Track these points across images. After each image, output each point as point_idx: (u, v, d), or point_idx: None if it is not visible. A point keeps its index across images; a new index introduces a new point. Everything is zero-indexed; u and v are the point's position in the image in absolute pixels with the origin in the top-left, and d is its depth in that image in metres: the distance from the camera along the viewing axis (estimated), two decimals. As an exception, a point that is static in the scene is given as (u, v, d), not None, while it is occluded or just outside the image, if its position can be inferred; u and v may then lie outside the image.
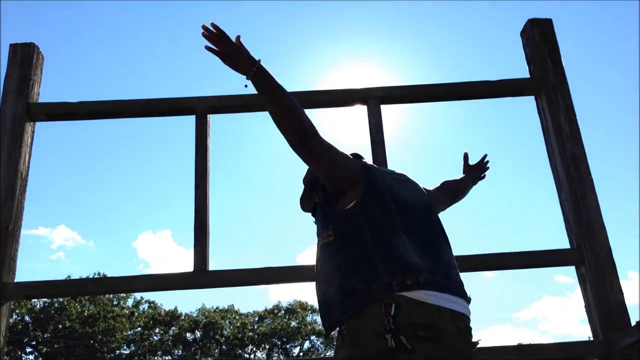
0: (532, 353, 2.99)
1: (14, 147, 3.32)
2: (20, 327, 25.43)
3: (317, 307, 1.93)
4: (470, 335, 1.78)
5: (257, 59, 1.82)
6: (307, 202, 2.18)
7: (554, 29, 3.50)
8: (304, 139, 1.84)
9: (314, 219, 2.06)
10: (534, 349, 3.09)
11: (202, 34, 1.85)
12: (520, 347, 3.01)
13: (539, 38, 3.48)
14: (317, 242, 1.96)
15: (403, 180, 2.06)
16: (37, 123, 3.53)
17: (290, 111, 1.84)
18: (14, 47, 3.56)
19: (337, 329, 1.79)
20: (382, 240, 1.80)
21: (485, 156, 2.67)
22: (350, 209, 1.86)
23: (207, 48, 1.87)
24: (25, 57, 3.53)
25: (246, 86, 1.83)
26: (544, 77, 3.40)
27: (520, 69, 3.54)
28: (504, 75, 3.46)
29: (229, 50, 1.84)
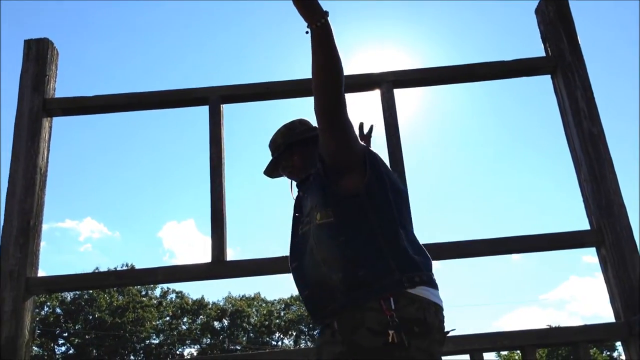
0: (554, 336, 2.96)
1: (32, 142, 3.36)
2: (52, 319, 25.97)
3: (363, 280, 1.72)
4: (444, 326, 1.82)
5: (326, 11, 1.74)
6: (275, 169, 2.26)
7: (569, 6, 3.42)
8: (338, 107, 1.82)
9: (297, 189, 2.12)
10: (556, 332, 3.06)
11: None
12: (541, 331, 2.98)
13: (554, 15, 3.40)
14: (304, 215, 1.92)
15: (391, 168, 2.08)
16: (54, 118, 3.57)
17: (338, 75, 1.79)
18: (28, 43, 3.59)
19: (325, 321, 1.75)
20: (389, 232, 1.79)
21: (371, 127, 2.41)
22: (354, 193, 1.84)
23: None
24: (39, 52, 3.56)
25: (307, 32, 1.75)
26: (560, 55, 3.34)
27: (535, 48, 3.47)
28: (519, 55, 3.41)
29: None
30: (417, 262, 1.77)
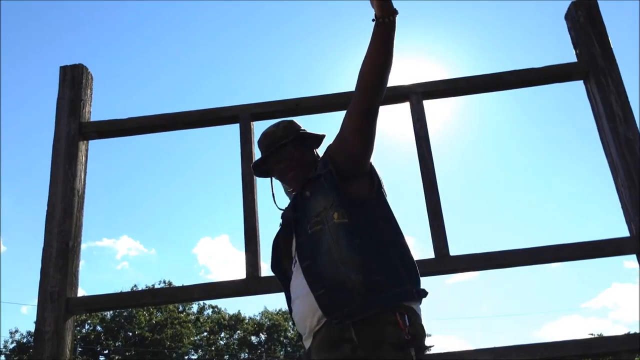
0: (597, 346, 2.89)
1: (69, 166, 3.44)
2: (92, 336, 26.38)
3: (382, 285, 1.74)
4: None
5: (397, 10, 1.77)
6: (264, 165, 2.18)
7: (600, 10, 3.37)
8: (376, 111, 1.86)
9: (300, 189, 2.01)
10: (599, 342, 3.00)
11: None
12: (583, 342, 2.91)
13: (584, 20, 3.35)
14: (313, 215, 1.88)
15: None
16: (90, 141, 3.65)
17: (387, 79, 1.83)
18: (64, 70, 3.68)
19: (331, 329, 1.71)
20: (397, 243, 1.86)
21: None
22: (363, 199, 1.89)
23: None
24: (75, 78, 3.65)
25: (373, 20, 1.77)
26: (592, 60, 3.28)
27: (565, 54, 3.43)
28: (548, 62, 3.36)
29: None
30: (419, 275, 1.84)
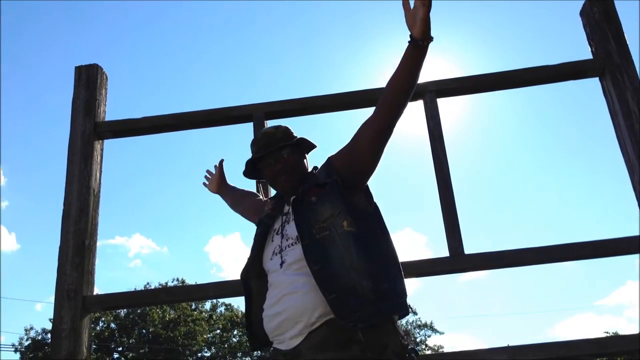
0: (614, 345, 2.88)
1: (85, 165, 3.47)
2: (106, 334, 26.57)
3: (390, 293, 1.83)
4: None
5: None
6: (254, 172, 2.24)
7: (615, 6, 3.33)
8: (393, 129, 1.96)
9: (300, 194, 2.02)
10: (616, 340, 2.98)
11: None
12: (599, 340, 2.89)
13: (600, 17, 3.32)
14: (319, 220, 1.91)
15: None
16: (105, 140, 3.68)
17: (410, 97, 1.92)
18: (79, 70, 3.71)
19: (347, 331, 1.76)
20: (393, 256, 1.97)
21: (221, 162, 2.68)
22: (364, 212, 1.97)
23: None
24: (90, 78, 3.68)
25: (409, 42, 1.83)
26: (608, 57, 3.25)
27: (580, 50, 3.40)
28: (562, 59, 3.33)
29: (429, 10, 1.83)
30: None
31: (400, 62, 1.87)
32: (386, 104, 1.91)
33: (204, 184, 2.89)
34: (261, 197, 2.64)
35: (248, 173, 2.25)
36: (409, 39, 1.83)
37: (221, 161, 2.81)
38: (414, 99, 3.39)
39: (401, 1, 1.85)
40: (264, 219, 2.15)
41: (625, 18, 3.33)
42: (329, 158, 2.09)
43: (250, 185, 2.56)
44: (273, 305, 1.90)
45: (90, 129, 3.56)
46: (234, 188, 2.77)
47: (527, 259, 3.05)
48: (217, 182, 2.79)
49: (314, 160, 2.23)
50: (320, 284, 1.79)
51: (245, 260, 2.17)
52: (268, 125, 2.30)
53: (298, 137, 2.18)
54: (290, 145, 2.12)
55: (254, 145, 2.19)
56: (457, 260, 3.02)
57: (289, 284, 1.87)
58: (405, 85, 1.88)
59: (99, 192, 3.55)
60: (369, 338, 1.73)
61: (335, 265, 1.82)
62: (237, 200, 2.68)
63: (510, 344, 2.93)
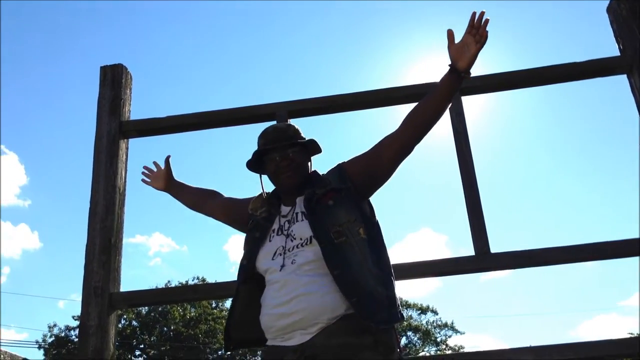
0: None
1: (110, 164, 3.51)
2: (128, 331, 26.84)
3: (396, 301, 1.94)
4: None
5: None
6: (258, 165, 2.21)
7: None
8: (418, 143, 2.07)
9: (314, 196, 2.05)
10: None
11: (476, 20, 1.95)
12: (628, 340, 2.85)
13: (627, 13, 3.27)
14: (335, 224, 1.95)
15: None
16: (130, 139, 3.71)
17: (439, 119, 2.04)
18: (104, 70, 3.76)
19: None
20: (390, 266, 2.03)
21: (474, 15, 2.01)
22: (372, 221, 2.06)
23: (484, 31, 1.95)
24: (115, 77, 3.72)
25: (449, 66, 1.95)
26: (636, 54, 3.21)
27: (607, 47, 3.35)
28: (588, 56, 3.29)
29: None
30: None
31: (437, 87, 1.99)
32: (415, 125, 2.02)
33: (144, 180, 2.78)
34: (231, 196, 2.51)
35: (252, 165, 2.22)
36: (450, 69, 1.95)
37: (168, 157, 2.70)
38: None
39: (447, 32, 1.97)
40: (261, 221, 2.13)
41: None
42: (340, 165, 2.14)
43: (252, 178, 2.53)
44: (283, 304, 1.90)
45: (115, 128, 3.60)
46: (185, 185, 2.67)
47: (554, 258, 3.02)
48: (165, 179, 2.69)
49: (317, 164, 2.26)
50: (342, 287, 1.85)
51: (240, 262, 2.15)
52: (279, 125, 2.26)
53: (307, 138, 2.19)
54: (298, 144, 2.14)
55: (263, 137, 2.17)
56: (483, 260, 3.00)
57: (304, 285, 1.89)
58: (437, 109, 2.00)
59: (125, 190, 3.59)
60: (386, 337, 1.84)
61: (355, 271, 1.89)
62: (198, 199, 2.57)
63: (532, 345, 2.90)
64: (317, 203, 2.02)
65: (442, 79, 1.98)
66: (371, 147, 2.11)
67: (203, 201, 2.54)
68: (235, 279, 2.17)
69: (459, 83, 1.97)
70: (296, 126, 2.22)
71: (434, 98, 1.99)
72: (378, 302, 1.86)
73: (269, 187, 2.25)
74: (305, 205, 2.03)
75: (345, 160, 2.14)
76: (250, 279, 2.07)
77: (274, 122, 3.48)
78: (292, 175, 2.10)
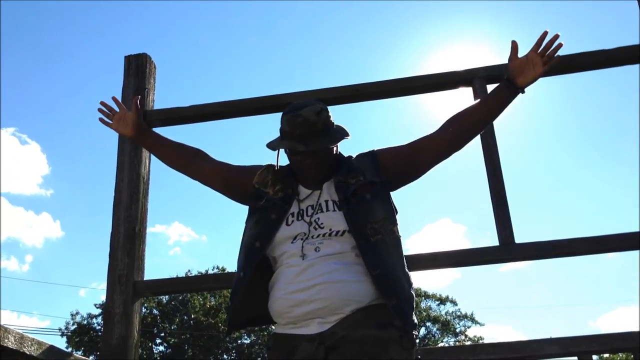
0: None
1: (134, 153, 3.53)
2: (149, 319, 27.17)
3: (411, 293, 1.89)
4: None
5: None
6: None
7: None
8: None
9: (354, 181, 1.96)
10: None
11: (546, 40, 1.96)
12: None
13: (661, -1, 3.21)
14: (370, 221, 1.88)
15: None
16: (153, 129, 3.73)
17: (484, 130, 2.15)
18: (128, 59, 3.77)
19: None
20: None
21: (544, 35, 1.98)
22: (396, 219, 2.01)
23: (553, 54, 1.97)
24: (139, 67, 3.74)
25: (508, 84, 2.00)
26: (668, 40, 3.14)
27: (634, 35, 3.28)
28: (615, 44, 3.22)
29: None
30: None
31: (488, 98, 2.00)
32: (460, 132, 2.01)
33: (102, 120, 2.41)
34: (224, 161, 2.27)
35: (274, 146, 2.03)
36: (508, 81, 1.95)
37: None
38: (463, 85, 3.34)
39: (511, 43, 1.98)
40: (278, 201, 1.98)
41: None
42: (374, 152, 2.05)
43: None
44: (303, 290, 1.81)
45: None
46: (161, 136, 2.38)
47: (580, 249, 2.98)
48: (134, 124, 2.35)
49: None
50: (382, 288, 1.80)
51: (249, 243, 1.99)
52: (308, 105, 1.97)
53: (336, 126, 2.02)
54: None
55: (289, 125, 1.95)
56: (507, 250, 2.97)
57: (329, 272, 1.81)
58: (486, 120, 2.02)
59: (149, 179, 3.62)
60: (409, 332, 1.80)
61: (393, 272, 1.85)
62: (183, 155, 2.29)
63: (553, 336, 2.88)
64: (353, 195, 1.91)
65: (498, 91, 1.97)
66: (408, 143, 2.04)
67: (190, 159, 2.27)
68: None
69: (511, 97, 1.96)
70: (326, 112, 1.99)
71: (484, 108, 1.98)
72: (410, 305, 1.85)
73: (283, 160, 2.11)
74: (339, 196, 1.92)
75: (380, 149, 2.05)
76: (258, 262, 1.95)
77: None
78: (317, 170, 1.98)
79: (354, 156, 2.10)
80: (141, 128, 2.38)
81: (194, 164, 2.26)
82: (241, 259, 2.00)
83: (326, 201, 1.94)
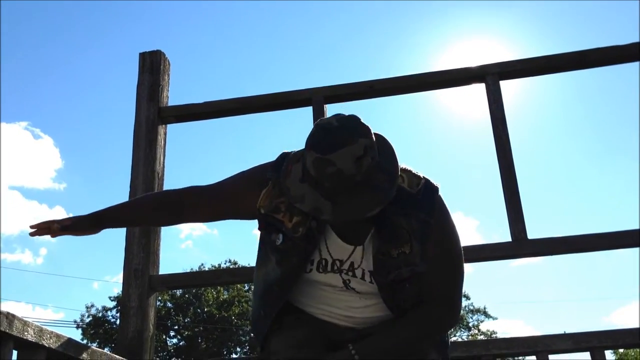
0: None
1: (149, 149, 3.57)
2: (163, 312, 27.39)
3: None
4: None
5: None
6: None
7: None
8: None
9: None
10: None
11: None
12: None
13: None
14: (402, 298, 1.60)
15: None
16: (168, 125, 3.77)
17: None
18: (143, 56, 3.81)
19: None
20: None
21: None
22: None
23: None
24: (153, 64, 3.77)
25: None
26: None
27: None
28: (631, 39, 3.20)
29: None
30: None
31: None
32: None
33: (34, 233, 1.86)
34: (219, 191, 1.80)
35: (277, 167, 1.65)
36: None
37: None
38: (475, 81, 3.34)
39: None
40: (299, 242, 1.59)
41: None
42: (431, 217, 1.58)
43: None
44: (352, 309, 1.66)
45: (154, 114, 3.65)
46: (118, 207, 1.89)
47: (592, 245, 2.98)
48: (87, 220, 1.87)
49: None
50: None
51: (269, 285, 1.70)
52: (344, 143, 1.40)
53: (380, 162, 1.46)
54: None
55: (315, 170, 1.41)
56: (520, 245, 2.98)
57: (369, 302, 1.64)
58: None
59: (163, 175, 3.65)
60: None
61: None
62: (168, 208, 1.85)
63: (567, 331, 2.87)
64: (394, 281, 1.57)
65: None
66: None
67: (177, 208, 1.82)
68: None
69: None
70: (369, 157, 1.41)
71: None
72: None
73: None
74: (376, 276, 1.57)
75: (438, 219, 1.59)
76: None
77: (311, 108, 3.48)
78: (356, 232, 1.60)
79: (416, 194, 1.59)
80: (95, 218, 1.88)
81: (189, 209, 1.83)
82: (259, 299, 1.75)
83: (363, 271, 1.60)
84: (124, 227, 2.07)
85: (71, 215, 1.93)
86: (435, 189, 1.62)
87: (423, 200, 1.57)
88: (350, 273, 1.59)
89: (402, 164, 1.57)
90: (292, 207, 1.59)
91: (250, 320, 1.78)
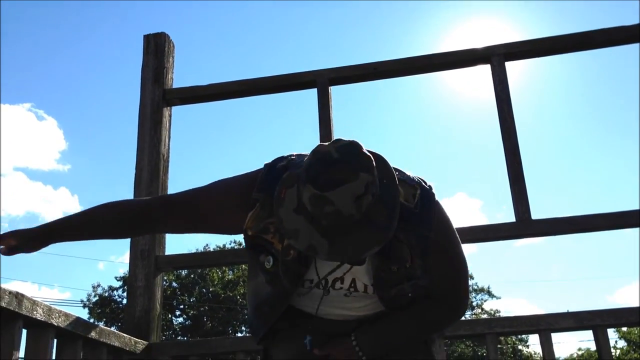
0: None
1: (154, 131, 3.58)
2: (169, 292, 27.62)
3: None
4: None
5: None
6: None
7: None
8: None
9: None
10: None
11: None
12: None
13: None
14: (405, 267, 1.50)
15: None
16: (172, 107, 3.78)
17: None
18: (147, 38, 3.80)
19: None
20: None
21: None
22: None
23: None
24: (158, 46, 3.76)
25: None
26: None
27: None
28: (633, 20, 3.18)
29: None
30: None
31: None
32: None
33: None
34: (195, 204, 1.63)
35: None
36: None
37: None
38: (481, 62, 3.33)
39: None
40: (291, 265, 1.48)
41: None
42: (429, 231, 1.51)
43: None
44: (347, 309, 1.61)
45: (159, 96, 3.65)
46: (72, 218, 1.68)
47: (596, 225, 3.00)
48: (35, 234, 1.63)
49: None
50: None
51: (259, 304, 1.62)
52: (344, 181, 1.27)
53: (381, 195, 1.33)
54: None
55: (312, 206, 1.28)
56: (524, 226, 3.00)
57: (363, 305, 1.59)
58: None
59: (169, 157, 3.67)
60: None
61: None
62: (134, 219, 1.66)
63: (570, 310, 2.90)
64: (396, 295, 1.53)
65: None
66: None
67: (142, 221, 1.67)
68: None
69: None
70: (369, 195, 1.29)
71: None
72: None
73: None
74: (378, 291, 1.52)
75: (439, 229, 1.53)
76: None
77: (315, 90, 3.48)
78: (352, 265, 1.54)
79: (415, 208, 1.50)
80: (44, 231, 1.65)
81: (161, 220, 1.67)
82: (252, 309, 1.67)
83: (365, 286, 1.54)
84: (79, 240, 1.71)
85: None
86: (431, 196, 1.54)
87: (422, 214, 1.50)
88: (352, 289, 1.53)
89: (396, 170, 1.50)
90: (280, 235, 1.49)
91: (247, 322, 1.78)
